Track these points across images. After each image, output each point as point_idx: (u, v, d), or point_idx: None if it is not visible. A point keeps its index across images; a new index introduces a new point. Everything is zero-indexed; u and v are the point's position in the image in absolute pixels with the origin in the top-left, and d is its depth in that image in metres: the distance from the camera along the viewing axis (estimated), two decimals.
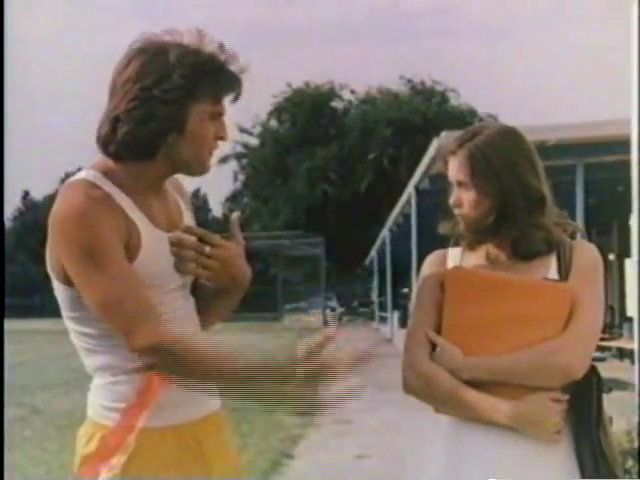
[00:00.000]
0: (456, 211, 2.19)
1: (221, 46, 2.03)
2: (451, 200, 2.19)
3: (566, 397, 2.06)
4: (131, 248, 1.99)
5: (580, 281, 2.11)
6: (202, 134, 2.04)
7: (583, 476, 2.06)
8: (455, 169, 2.16)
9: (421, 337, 2.16)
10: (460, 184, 2.16)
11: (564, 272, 2.13)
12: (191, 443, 2.07)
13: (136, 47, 2.02)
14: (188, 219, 2.21)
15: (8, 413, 3.93)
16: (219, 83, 2.03)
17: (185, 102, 1.99)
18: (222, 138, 2.09)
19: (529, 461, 2.06)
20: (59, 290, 2.03)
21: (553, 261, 2.16)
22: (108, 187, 2.01)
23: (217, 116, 2.06)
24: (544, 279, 2.12)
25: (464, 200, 2.16)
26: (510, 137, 2.16)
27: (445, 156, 2.20)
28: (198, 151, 2.06)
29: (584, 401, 2.08)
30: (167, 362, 1.91)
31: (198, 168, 2.11)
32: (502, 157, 2.11)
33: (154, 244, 2.04)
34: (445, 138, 11.75)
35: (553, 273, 2.14)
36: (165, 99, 1.97)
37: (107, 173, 2.03)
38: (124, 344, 1.96)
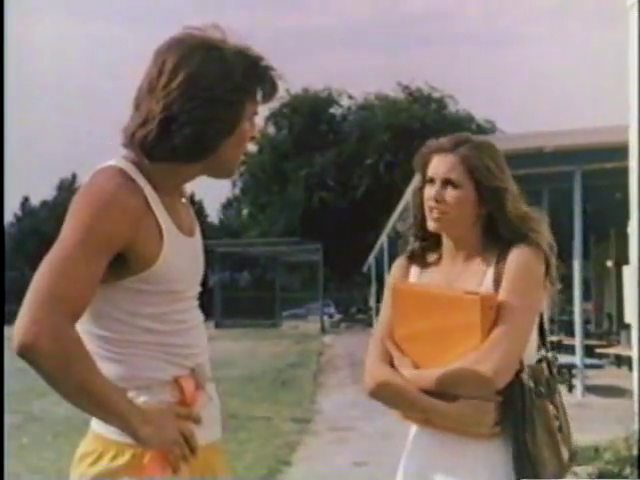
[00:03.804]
0: (433, 205, 2.26)
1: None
2: (430, 195, 2.27)
3: (498, 398, 2.12)
4: (150, 250, 1.88)
5: (506, 287, 2.16)
6: (246, 134, 1.98)
7: (516, 477, 2.14)
8: (446, 167, 2.25)
9: (379, 344, 2.29)
10: (448, 182, 2.25)
11: (498, 278, 2.18)
12: (204, 467, 1.97)
13: (186, 44, 1.90)
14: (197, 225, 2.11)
15: (5, 420, 3.91)
16: (267, 82, 1.96)
17: (243, 102, 1.92)
18: (253, 138, 2.02)
19: (466, 463, 2.17)
20: None
21: (491, 268, 2.21)
22: (142, 181, 1.90)
23: (254, 116, 1.99)
24: (466, 292, 2.16)
25: (448, 197, 2.24)
26: (493, 146, 2.34)
27: (429, 155, 2.31)
28: (239, 152, 2.00)
29: (510, 406, 2.14)
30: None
31: (232, 169, 2.03)
32: (495, 160, 2.27)
33: (177, 248, 1.94)
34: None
35: (488, 280, 2.20)
36: (228, 99, 1.88)
37: (139, 166, 1.91)
38: (146, 353, 1.90)
